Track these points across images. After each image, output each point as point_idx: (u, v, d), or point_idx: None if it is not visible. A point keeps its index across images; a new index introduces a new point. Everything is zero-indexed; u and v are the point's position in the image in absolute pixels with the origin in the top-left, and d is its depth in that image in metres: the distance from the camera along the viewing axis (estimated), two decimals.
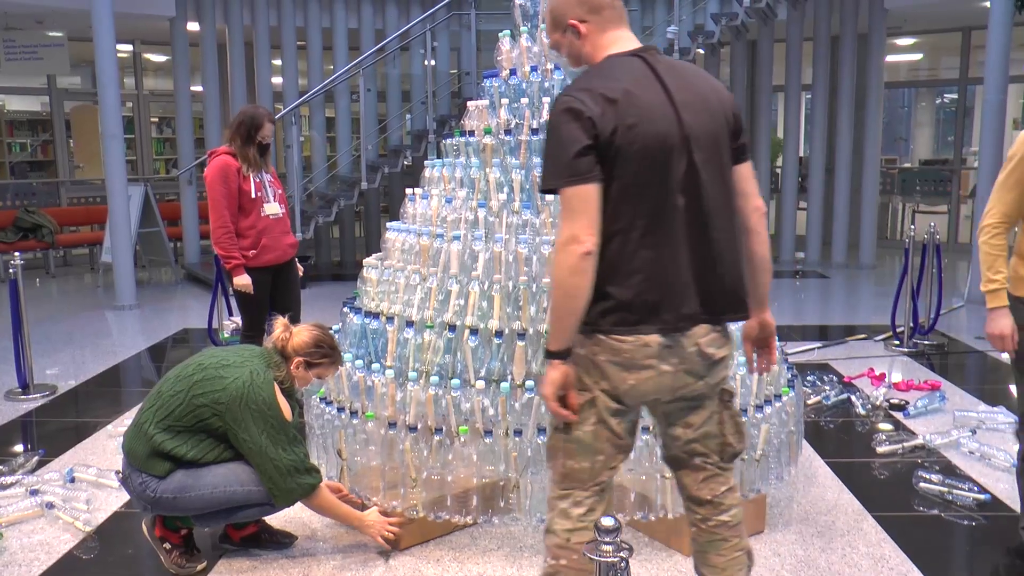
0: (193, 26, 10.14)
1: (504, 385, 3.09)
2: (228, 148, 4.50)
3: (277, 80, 10.59)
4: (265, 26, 10.25)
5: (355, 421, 3.28)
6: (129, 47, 11.98)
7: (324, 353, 3.16)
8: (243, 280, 4.49)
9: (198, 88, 10.67)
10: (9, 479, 3.92)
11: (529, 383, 3.12)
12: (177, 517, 3.12)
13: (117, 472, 3.44)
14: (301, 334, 3.14)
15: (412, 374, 3.19)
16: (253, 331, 4.54)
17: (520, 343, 3.14)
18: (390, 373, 3.26)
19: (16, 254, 5.37)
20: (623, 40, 2.20)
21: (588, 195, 1.99)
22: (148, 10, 9.55)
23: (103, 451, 4.35)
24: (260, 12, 10.19)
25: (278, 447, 2.95)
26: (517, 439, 3.06)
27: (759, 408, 3.30)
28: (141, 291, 8.70)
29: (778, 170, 11.68)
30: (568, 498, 2.19)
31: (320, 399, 3.48)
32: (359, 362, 3.41)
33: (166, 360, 6.46)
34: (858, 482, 3.89)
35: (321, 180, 10.38)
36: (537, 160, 3.42)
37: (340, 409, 3.35)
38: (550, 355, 2.08)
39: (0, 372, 5.76)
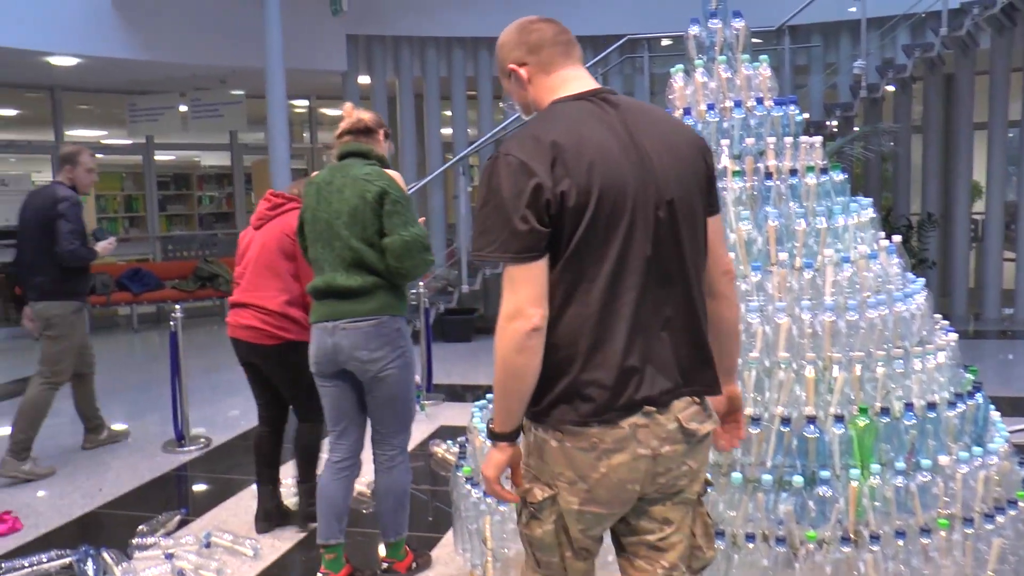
0: (364, 79, 10.33)
1: None
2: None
3: (447, 131, 10.61)
4: (435, 77, 10.30)
5: (503, 508, 2.90)
6: (306, 102, 12.40)
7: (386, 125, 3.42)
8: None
9: None
10: (149, 540, 3.81)
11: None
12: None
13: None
14: (364, 112, 3.37)
15: None
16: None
17: None
18: None
19: (176, 306, 5.41)
20: (572, 81, 1.92)
21: (534, 269, 1.74)
22: (321, 66, 9.79)
23: (245, 512, 4.18)
24: (430, 63, 10.26)
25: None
26: None
27: (989, 517, 2.66)
28: None
29: (977, 216, 10.54)
30: None
31: (466, 479, 3.13)
32: None
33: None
34: None
35: None
36: None
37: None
38: (496, 437, 1.84)
39: (164, 421, 5.80)
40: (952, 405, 2.84)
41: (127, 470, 4.94)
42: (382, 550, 3.46)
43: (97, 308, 9.87)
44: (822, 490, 2.58)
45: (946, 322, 3.29)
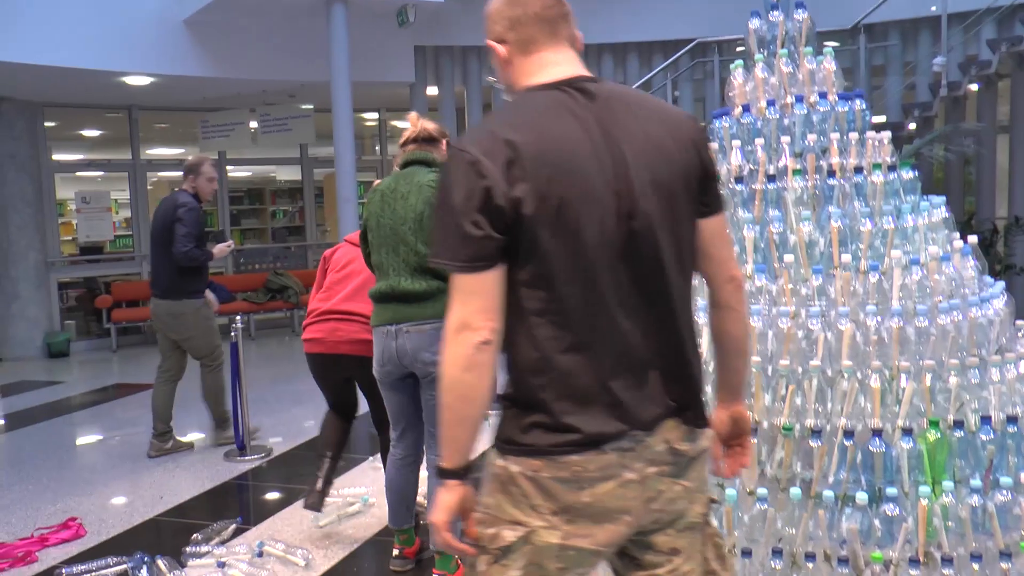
0: (432, 90, 10.36)
1: (729, 492, 2.48)
2: None
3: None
4: None
5: None
6: (375, 115, 12.53)
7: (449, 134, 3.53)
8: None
9: None
10: (203, 548, 3.82)
11: (762, 491, 2.49)
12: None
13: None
14: (428, 122, 3.44)
15: None
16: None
17: (752, 441, 2.52)
18: None
19: (237, 317, 5.45)
20: (551, 66, 1.68)
21: (486, 280, 1.55)
22: (389, 78, 9.86)
23: (300, 521, 4.16)
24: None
25: None
26: (746, 560, 2.43)
27: None
28: None
29: None
30: None
31: None
32: None
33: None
34: None
35: None
36: (775, 213, 2.83)
37: None
38: (443, 474, 1.63)
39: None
40: None
41: (188, 478, 4.99)
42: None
43: None
44: (889, 508, 2.40)
45: None
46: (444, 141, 3.46)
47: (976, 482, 2.45)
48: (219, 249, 5.42)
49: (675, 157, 1.63)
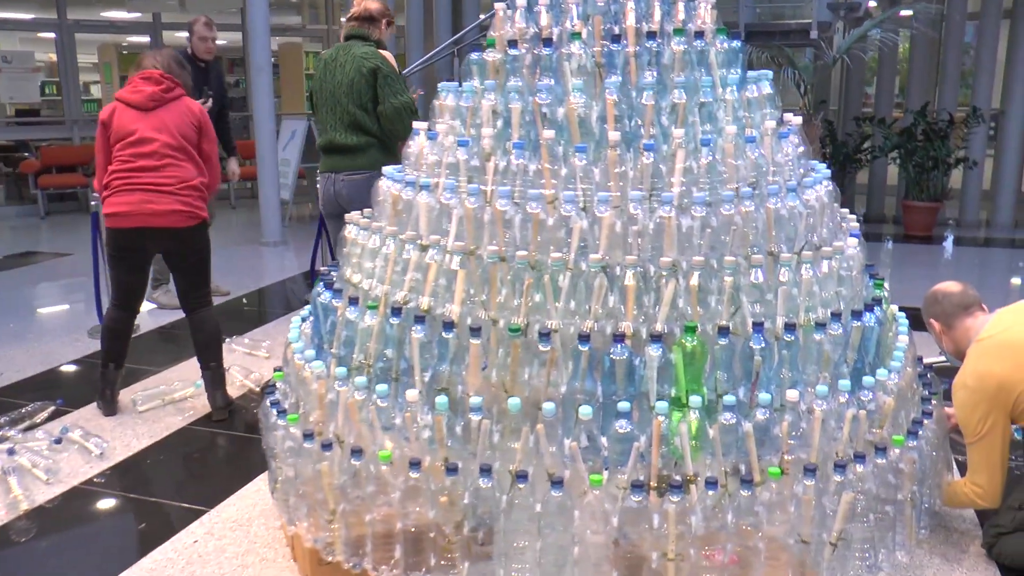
0: None
1: (441, 399, 2.19)
2: None
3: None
4: None
5: (281, 421, 2.52)
6: None
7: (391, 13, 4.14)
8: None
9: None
10: (6, 432, 3.59)
11: (476, 400, 2.19)
12: None
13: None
14: (372, 3, 4.04)
15: (340, 370, 2.37)
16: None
17: (475, 341, 2.21)
18: (318, 365, 2.45)
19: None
20: None
21: None
22: None
23: (122, 407, 3.92)
24: None
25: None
26: (451, 478, 2.15)
27: (839, 468, 2.15)
28: (299, 228, 8.57)
29: None
30: None
31: (267, 392, 2.75)
32: (299, 344, 2.64)
33: (272, 304, 6.08)
34: None
35: None
36: (547, 82, 2.43)
37: (275, 404, 2.60)
38: None
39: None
40: (821, 327, 2.30)
41: (41, 355, 4.74)
42: None
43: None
44: (620, 425, 2.11)
45: (856, 224, 2.72)
46: (384, 20, 4.10)
47: (731, 398, 2.15)
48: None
49: None
